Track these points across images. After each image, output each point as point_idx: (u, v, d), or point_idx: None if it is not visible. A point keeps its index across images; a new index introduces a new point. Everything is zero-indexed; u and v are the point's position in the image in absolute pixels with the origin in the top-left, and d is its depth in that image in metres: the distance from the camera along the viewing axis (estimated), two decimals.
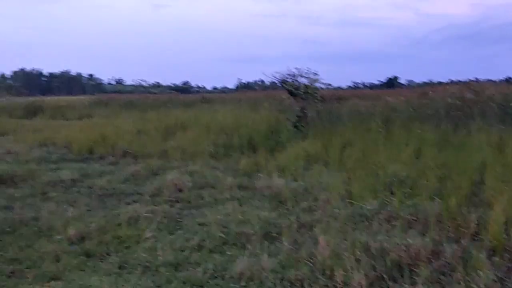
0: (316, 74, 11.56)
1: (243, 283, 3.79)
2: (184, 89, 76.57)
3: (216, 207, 6.04)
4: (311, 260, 4.11)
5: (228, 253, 4.47)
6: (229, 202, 6.18)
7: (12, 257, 4.42)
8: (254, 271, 3.93)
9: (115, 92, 57.73)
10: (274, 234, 4.92)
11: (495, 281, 3.61)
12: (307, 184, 6.72)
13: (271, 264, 4.04)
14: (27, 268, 4.19)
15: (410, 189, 5.89)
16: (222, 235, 4.91)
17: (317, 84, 11.69)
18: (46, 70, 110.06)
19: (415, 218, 5.07)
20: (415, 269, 3.88)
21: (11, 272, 4.10)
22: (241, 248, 4.57)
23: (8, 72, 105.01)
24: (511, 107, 10.54)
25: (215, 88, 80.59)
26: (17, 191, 6.91)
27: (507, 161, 6.70)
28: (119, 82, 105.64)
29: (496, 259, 4.05)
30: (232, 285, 3.81)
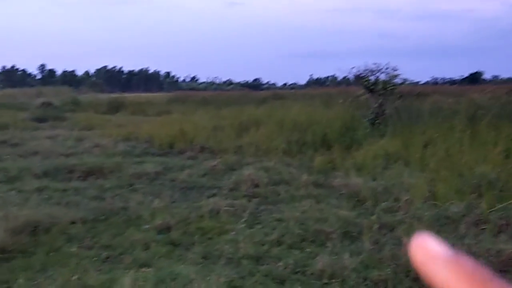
0: (395, 69, 11.23)
1: (325, 280, 3.80)
2: (255, 85, 77.41)
3: (292, 204, 6.08)
4: (395, 262, 4.03)
5: (308, 250, 4.49)
6: (306, 200, 6.18)
7: (106, 244, 4.73)
8: (335, 269, 3.92)
9: (190, 89, 59.58)
10: (354, 234, 4.87)
11: None
12: (387, 184, 6.56)
13: (352, 263, 4.01)
14: (120, 254, 4.47)
15: (500, 191, 5.57)
16: (300, 231, 4.94)
17: (397, 80, 11.34)
18: (126, 68, 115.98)
19: (506, 223, 4.80)
20: (507, 276, 3.67)
21: (106, 258, 4.40)
22: (320, 245, 4.58)
23: (92, 69, 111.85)
24: None
25: (285, 85, 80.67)
26: (106, 182, 7.35)
27: None
28: (193, 79, 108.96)
29: None
30: (313, 281, 3.83)
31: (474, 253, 4.01)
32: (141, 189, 6.95)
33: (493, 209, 5.01)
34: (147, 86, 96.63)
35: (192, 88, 70.99)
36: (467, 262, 0.31)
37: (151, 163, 8.69)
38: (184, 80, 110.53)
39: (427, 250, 0.32)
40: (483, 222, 4.86)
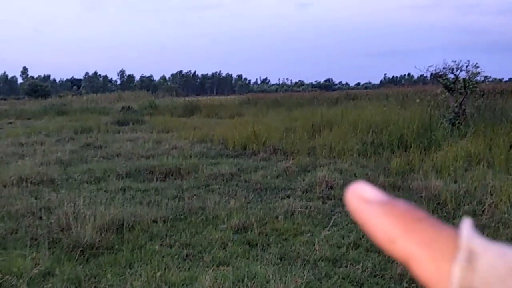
0: (477, 66, 10.65)
1: (405, 284, 3.71)
2: (327, 86, 76.66)
3: None
4: None
5: (386, 253, 4.39)
6: None
7: (185, 242, 4.93)
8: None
9: (261, 91, 60.23)
10: None
11: None
12: (469, 186, 6.25)
13: None
14: (199, 253, 4.64)
15: None
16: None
17: (478, 78, 10.75)
18: (199, 72, 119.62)
19: None
20: None
21: (186, 256, 4.59)
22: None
23: (168, 74, 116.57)
24: None
25: (358, 84, 79.09)
26: (184, 183, 7.65)
27: None
28: (264, 81, 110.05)
29: None
30: (392, 285, 3.76)
31: None
32: (217, 190, 7.16)
33: None
34: (219, 89, 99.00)
35: (263, 90, 71.74)
36: (401, 205, 0.31)
37: (225, 164, 8.91)
38: (255, 83, 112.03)
39: (361, 196, 0.33)
40: None
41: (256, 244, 4.80)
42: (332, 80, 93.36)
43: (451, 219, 5.12)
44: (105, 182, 7.80)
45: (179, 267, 4.27)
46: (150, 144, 12.23)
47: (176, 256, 4.51)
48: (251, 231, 5.14)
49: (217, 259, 4.40)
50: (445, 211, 5.54)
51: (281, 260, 4.38)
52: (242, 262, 4.30)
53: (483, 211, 5.30)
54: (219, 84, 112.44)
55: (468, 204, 5.61)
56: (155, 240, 4.98)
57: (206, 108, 26.59)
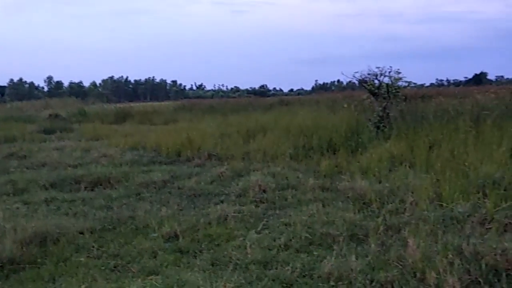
0: (399, 72, 11.25)
1: (332, 283, 3.83)
2: (262, 92, 77.56)
3: (299, 208, 6.12)
4: (401, 263, 4.06)
5: (315, 253, 4.54)
6: (313, 203, 6.22)
7: (114, 253, 4.80)
8: (342, 271, 3.96)
9: (197, 97, 59.90)
10: (361, 236, 4.91)
11: None
12: (392, 186, 6.58)
13: (359, 265, 4.05)
14: (128, 263, 4.53)
15: (505, 190, 5.57)
16: (307, 235, 4.98)
17: (400, 83, 11.35)
18: (132, 78, 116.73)
19: (511, 222, 4.81)
20: None
21: (114, 267, 4.46)
22: (328, 248, 4.62)
23: (98, 80, 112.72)
24: None
25: (291, 90, 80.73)
26: (114, 192, 7.43)
27: None
28: (200, 87, 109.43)
29: None
30: (320, 284, 3.87)
31: (479, 253, 4.03)
32: (149, 198, 7.04)
33: (498, 209, 5.02)
34: (153, 95, 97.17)
35: (199, 96, 71.40)
36: None
37: (158, 172, 8.77)
38: (190, 88, 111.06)
39: None
40: (489, 221, 4.87)
41: (188, 251, 4.78)
42: (266, 86, 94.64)
43: (375, 218, 5.36)
44: (28, 194, 7.42)
45: (107, 279, 4.15)
46: (78, 152, 11.78)
47: (103, 268, 4.38)
48: (183, 238, 5.10)
49: (147, 269, 4.32)
50: (370, 210, 5.79)
51: (212, 265, 4.38)
52: (172, 270, 4.25)
53: (405, 209, 5.60)
54: (153, 90, 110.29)
55: (391, 203, 5.90)
56: (81, 252, 4.81)
57: (139, 115, 26.02)
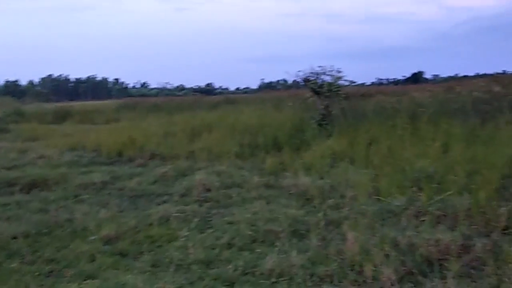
0: (339, 71, 11.54)
1: (273, 279, 3.86)
2: (208, 90, 77.13)
3: (244, 206, 6.13)
4: (340, 256, 4.16)
5: (258, 250, 4.55)
6: (257, 201, 6.26)
7: (49, 258, 4.58)
8: (283, 267, 4.00)
9: (141, 95, 58.65)
10: (302, 231, 4.99)
11: None
12: (333, 182, 6.74)
13: (300, 260, 4.10)
14: (64, 267, 4.34)
15: (438, 184, 5.84)
16: (251, 233, 5.00)
17: (341, 82, 11.65)
18: (72, 76, 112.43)
19: (444, 213, 5.05)
20: (445, 264, 3.88)
21: (50, 272, 4.27)
22: (270, 245, 4.65)
23: (36, 78, 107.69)
24: None
25: (238, 89, 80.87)
26: (51, 194, 7.12)
27: None
28: (144, 85, 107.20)
29: None
30: (262, 281, 3.88)
31: (414, 244, 4.20)
32: (88, 200, 6.79)
33: (431, 201, 5.25)
34: (95, 94, 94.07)
35: (143, 94, 69.92)
36: None
37: (98, 173, 8.50)
38: (134, 87, 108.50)
39: None
40: (423, 214, 5.09)
41: (128, 254, 4.66)
42: (212, 84, 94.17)
43: (317, 213, 5.47)
44: None
45: (41, 285, 3.97)
46: (14, 154, 11.19)
47: (38, 274, 4.18)
48: (123, 240, 4.96)
49: (84, 273, 4.16)
50: (312, 206, 5.90)
51: (153, 267, 4.29)
52: (111, 274, 4.13)
53: (345, 203, 5.75)
54: (94, 88, 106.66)
55: (332, 198, 6.03)
56: (14, 258, 4.56)
57: (80, 114, 25.16)
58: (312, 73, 11.54)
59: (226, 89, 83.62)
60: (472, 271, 3.80)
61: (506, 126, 8.61)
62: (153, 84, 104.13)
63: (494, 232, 4.47)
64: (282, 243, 4.61)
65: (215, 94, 58.09)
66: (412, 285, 3.63)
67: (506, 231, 4.52)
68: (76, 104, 35.02)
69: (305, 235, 4.87)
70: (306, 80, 11.83)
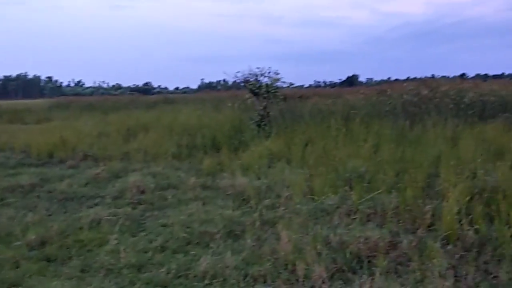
0: (277, 73, 11.69)
1: (206, 281, 3.82)
2: (146, 90, 75.48)
3: (179, 208, 6.04)
4: (274, 256, 4.19)
5: (192, 252, 4.49)
6: (193, 202, 6.19)
7: None
8: (217, 269, 3.97)
9: (75, 94, 56.42)
10: (238, 232, 4.98)
11: (449, 269, 3.78)
12: (270, 182, 6.80)
13: (234, 261, 4.09)
14: None
15: (368, 183, 6.05)
16: (185, 235, 4.93)
17: (279, 83, 11.80)
18: (1, 73, 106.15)
19: (373, 211, 5.24)
20: (373, 260, 4.02)
21: None
22: (205, 247, 4.61)
23: None
24: (464, 102, 10.97)
25: (177, 89, 79.77)
26: None
27: (460, 154, 6.99)
28: (78, 84, 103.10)
29: (450, 247, 4.24)
30: (195, 283, 3.84)
31: (345, 242, 4.32)
32: (14, 204, 6.44)
33: (362, 200, 5.44)
34: (26, 93, 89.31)
35: (77, 93, 67.33)
36: None
37: (26, 175, 8.07)
38: (68, 85, 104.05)
39: None
40: (354, 212, 5.25)
41: (56, 259, 4.44)
42: (150, 84, 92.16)
43: (253, 213, 5.49)
44: None
45: None
46: None
47: None
48: (51, 245, 4.73)
49: (7, 280, 3.93)
50: (248, 206, 5.91)
51: (82, 272, 4.12)
52: (36, 280, 3.92)
53: (280, 203, 5.82)
54: (25, 86, 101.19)
55: (268, 198, 6.09)
56: None
57: (8, 113, 23.81)
58: (250, 74, 11.60)
59: (165, 88, 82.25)
60: (399, 267, 3.96)
61: (432, 127, 9.09)
62: (88, 83, 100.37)
63: (419, 229, 4.69)
64: (217, 244, 4.59)
65: (153, 93, 56.97)
66: (342, 282, 3.73)
67: (431, 228, 4.75)
68: (5, 103, 33.14)
69: (240, 236, 4.87)
70: (245, 81, 11.88)
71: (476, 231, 4.47)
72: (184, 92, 59.97)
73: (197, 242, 4.78)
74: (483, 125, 9.24)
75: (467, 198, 5.05)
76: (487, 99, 11.10)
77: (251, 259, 4.19)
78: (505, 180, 5.41)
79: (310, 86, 56.28)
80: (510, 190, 5.05)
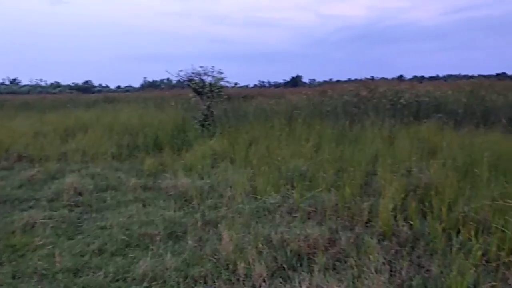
0: (221, 72, 11.66)
1: (145, 284, 3.74)
2: (86, 88, 72.93)
3: (118, 210, 5.88)
4: (215, 256, 4.17)
5: (131, 255, 4.38)
6: (133, 204, 6.05)
7: None
8: (157, 271, 3.90)
9: (10, 93, 53.57)
10: (179, 233, 4.92)
11: (384, 264, 3.91)
12: (213, 182, 6.77)
13: (174, 263, 4.04)
14: None
15: (309, 182, 6.17)
16: (124, 237, 4.80)
17: (224, 83, 11.77)
18: None
19: (314, 209, 5.34)
20: (313, 258, 4.09)
21: None
22: (145, 249, 4.51)
23: None
24: (401, 103, 11.45)
25: (119, 87, 77.63)
26: None
27: (396, 152, 7.28)
28: (14, 82, 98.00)
29: (385, 243, 4.39)
30: (134, 287, 3.74)
31: (286, 240, 4.37)
32: None
33: (303, 198, 5.53)
34: None
35: (13, 91, 63.90)
36: None
37: None
38: (3, 83, 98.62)
39: None
40: (295, 210, 5.33)
41: None
42: (91, 82, 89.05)
43: (194, 214, 5.44)
44: None
45: None
46: None
47: None
48: None
49: None
50: (191, 207, 5.86)
51: (14, 278, 3.92)
52: None
53: (223, 203, 5.80)
54: None
55: (211, 199, 6.06)
56: None
57: None
58: (193, 73, 11.50)
59: (106, 87, 79.76)
60: (337, 263, 4.05)
61: (370, 127, 9.41)
62: (24, 81, 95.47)
63: (357, 225, 4.83)
64: (157, 246, 4.51)
65: (94, 92, 55.07)
66: (282, 280, 3.76)
67: (368, 224, 4.91)
68: None
69: (181, 237, 4.81)
70: (189, 80, 11.75)
71: (411, 227, 4.66)
72: (126, 91, 58.46)
73: (136, 245, 4.67)
74: (418, 125, 9.68)
75: (402, 195, 5.27)
76: (422, 100, 11.64)
77: (192, 260, 4.14)
78: (438, 177, 5.68)
79: (255, 86, 56.62)
80: (442, 187, 5.32)
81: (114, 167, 8.62)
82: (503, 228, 4.09)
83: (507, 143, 7.17)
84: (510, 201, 4.42)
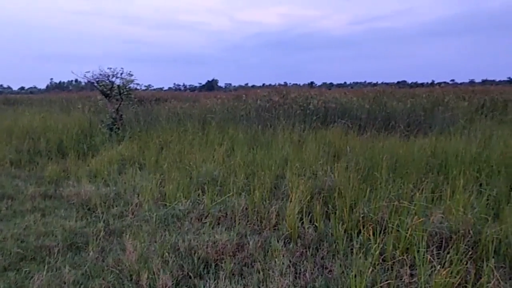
0: (131, 74, 11.26)
1: None
2: None
3: (14, 220, 5.43)
4: (118, 267, 3.99)
5: (25, 269, 4.05)
6: (30, 214, 5.63)
7: None
8: (53, 285, 3.65)
9: None
10: (80, 244, 4.64)
11: (289, 266, 3.97)
12: (119, 189, 6.49)
13: (73, 276, 3.80)
14: None
15: (221, 186, 6.13)
16: (19, 250, 4.44)
17: (133, 85, 11.39)
18: None
19: (224, 214, 5.30)
20: (220, 264, 4.05)
21: None
22: (41, 262, 4.20)
23: None
24: (310, 108, 11.83)
25: (22, 88, 72.52)
26: None
27: (304, 156, 7.48)
28: None
29: (291, 246, 4.47)
30: None
31: (193, 247, 4.29)
32: None
33: (214, 203, 5.48)
34: None
35: None
36: None
37: None
38: None
39: None
40: (205, 216, 5.26)
41: None
42: None
43: (98, 223, 5.17)
44: None
45: None
46: None
47: None
48: None
49: None
50: (94, 216, 5.56)
51: None
52: None
53: (129, 211, 5.58)
54: None
55: (116, 206, 5.80)
56: None
57: None
58: (101, 74, 11.00)
59: (9, 88, 74.14)
60: (244, 268, 4.04)
61: (281, 131, 9.60)
62: None
63: (266, 229, 4.87)
64: (55, 259, 4.21)
65: None
66: None
67: (275, 227, 4.97)
68: None
69: (82, 248, 4.54)
70: (97, 81, 11.22)
71: (316, 229, 4.78)
72: (30, 93, 54.72)
73: (32, 258, 4.34)
74: (325, 129, 10.05)
75: (308, 198, 5.40)
76: (329, 106, 12.12)
77: (93, 272, 3.92)
78: (341, 180, 5.91)
79: (170, 89, 55.67)
80: (344, 189, 5.53)
81: (11, 174, 8.00)
82: (398, 228, 4.33)
83: (404, 147, 7.65)
84: (404, 202, 4.70)
